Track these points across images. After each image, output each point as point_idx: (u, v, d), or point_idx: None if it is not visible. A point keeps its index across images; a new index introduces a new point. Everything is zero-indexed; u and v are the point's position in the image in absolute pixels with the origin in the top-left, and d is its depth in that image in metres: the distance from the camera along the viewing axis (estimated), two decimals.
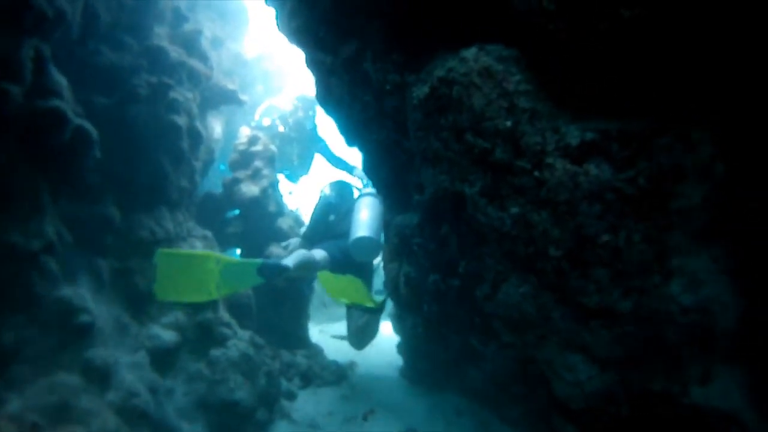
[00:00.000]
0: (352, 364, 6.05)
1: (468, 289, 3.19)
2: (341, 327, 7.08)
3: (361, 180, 7.54)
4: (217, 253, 5.15)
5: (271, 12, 4.80)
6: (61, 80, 3.62)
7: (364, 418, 4.69)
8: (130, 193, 4.90)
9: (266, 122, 8.35)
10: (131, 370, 3.70)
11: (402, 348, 5.34)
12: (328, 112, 4.56)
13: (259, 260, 5.34)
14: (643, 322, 2.26)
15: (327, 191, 7.25)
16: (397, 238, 4.19)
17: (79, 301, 3.41)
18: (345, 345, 6.40)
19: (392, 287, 4.60)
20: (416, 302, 4.19)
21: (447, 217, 3.22)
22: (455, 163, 2.72)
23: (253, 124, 8.28)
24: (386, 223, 4.70)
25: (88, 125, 3.86)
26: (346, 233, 6.17)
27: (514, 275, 2.67)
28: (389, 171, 4.02)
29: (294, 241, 6.86)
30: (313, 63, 4.47)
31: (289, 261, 5.41)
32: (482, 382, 3.89)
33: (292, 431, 4.45)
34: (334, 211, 6.89)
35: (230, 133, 8.14)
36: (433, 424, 4.24)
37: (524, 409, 3.55)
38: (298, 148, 8.32)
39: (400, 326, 5.24)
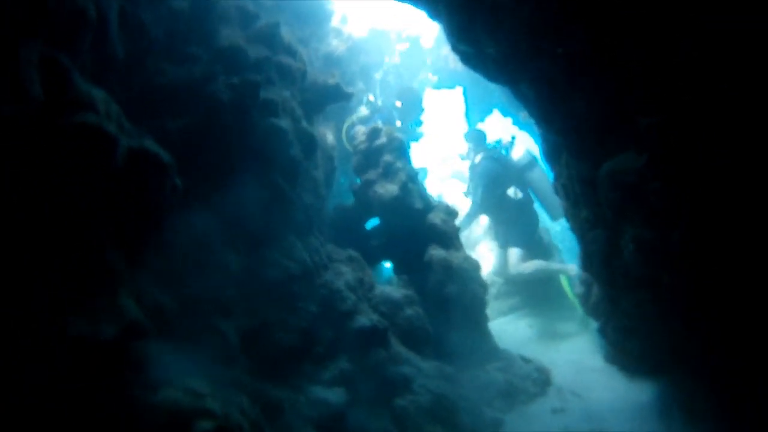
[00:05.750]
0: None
1: None
2: (513, 319, 6.78)
3: None
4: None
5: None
6: (96, 93, 2.58)
7: None
8: (245, 228, 3.84)
9: (364, 111, 7.17)
10: None
11: (607, 331, 4.47)
12: (473, 53, 3.65)
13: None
14: None
15: (479, 159, 7.11)
16: (617, 192, 3.16)
17: (189, 401, 2.28)
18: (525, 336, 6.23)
19: (598, 262, 3.74)
20: (650, 273, 3.19)
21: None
22: None
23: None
24: (580, 177, 3.75)
25: (151, 144, 2.80)
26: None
27: None
28: (588, 100, 3.11)
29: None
30: None
31: None
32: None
33: None
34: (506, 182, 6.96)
35: (343, 147, 6.93)
36: (669, 415, 3.61)
37: None
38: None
39: (608, 308, 4.29)
